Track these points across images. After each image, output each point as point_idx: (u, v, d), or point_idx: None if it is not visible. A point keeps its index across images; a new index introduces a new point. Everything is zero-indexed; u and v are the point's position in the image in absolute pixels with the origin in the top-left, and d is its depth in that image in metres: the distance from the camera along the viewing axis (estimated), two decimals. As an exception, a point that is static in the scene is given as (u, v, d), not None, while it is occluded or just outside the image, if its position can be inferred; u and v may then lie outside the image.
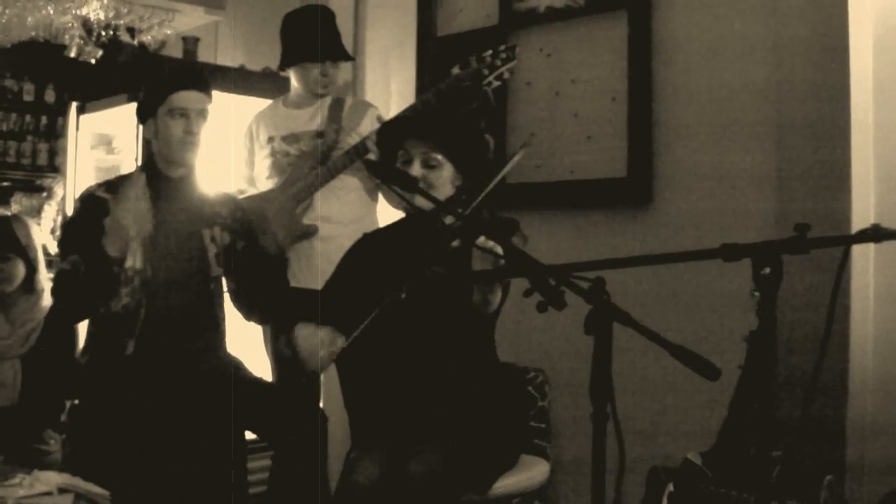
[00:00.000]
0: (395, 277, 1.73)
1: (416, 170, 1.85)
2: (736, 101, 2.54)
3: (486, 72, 2.35)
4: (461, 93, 2.39)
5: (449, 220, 1.79)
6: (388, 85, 3.43)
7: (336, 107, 2.68)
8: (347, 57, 2.73)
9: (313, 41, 2.61)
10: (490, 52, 2.37)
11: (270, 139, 2.72)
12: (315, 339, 1.74)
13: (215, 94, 2.22)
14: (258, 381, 2.18)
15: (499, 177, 1.75)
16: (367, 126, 2.63)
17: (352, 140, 2.61)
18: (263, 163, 2.73)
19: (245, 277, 2.17)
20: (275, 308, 2.23)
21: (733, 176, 2.54)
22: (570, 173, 2.90)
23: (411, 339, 1.84)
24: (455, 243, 1.73)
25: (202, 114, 2.13)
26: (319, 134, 2.65)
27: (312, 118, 2.70)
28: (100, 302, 2.01)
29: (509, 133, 3.01)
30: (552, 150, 2.95)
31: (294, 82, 2.74)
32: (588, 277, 1.27)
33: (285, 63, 2.72)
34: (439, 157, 1.88)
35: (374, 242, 2.02)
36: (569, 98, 2.91)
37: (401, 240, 1.95)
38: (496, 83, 2.38)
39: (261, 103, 2.97)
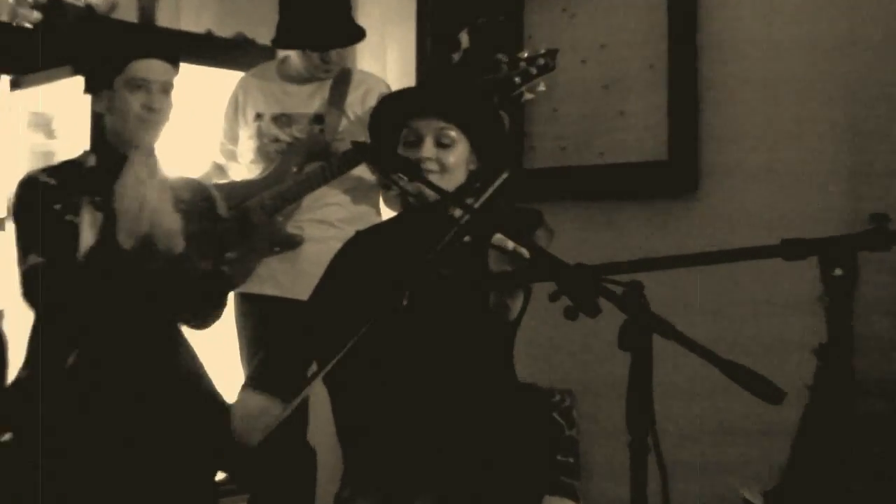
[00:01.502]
0: (395, 282, 1.74)
1: (427, 149, 1.87)
2: (801, 68, 2.56)
3: (517, 80, 2.33)
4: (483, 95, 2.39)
5: (458, 212, 1.82)
6: (384, 53, 3.47)
7: (340, 84, 2.70)
8: (358, 37, 2.73)
9: (315, 23, 2.62)
10: (525, 55, 2.35)
11: (258, 116, 2.74)
12: (246, 411, 1.76)
13: (181, 65, 2.23)
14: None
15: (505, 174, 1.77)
16: None
17: (355, 129, 2.63)
18: (247, 143, 2.76)
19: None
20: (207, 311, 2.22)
21: (796, 160, 2.56)
22: (599, 156, 2.92)
23: (414, 357, 1.83)
24: (466, 239, 1.76)
25: (165, 88, 2.12)
26: (318, 118, 2.68)
27: (311, 97, 2.72)
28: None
29: (527, 110, 3.03)
30: (579, 130, 2.97)
31: (292, 55, 2.75)
32: (622, 281, 1.27)
33: (279, 44, 2.75)
34: (453, 133, 1.91)
35: (369, 242, 2.03)
36: (597, 66, 2.94)
37: (401, 238, 1.96)
38: (528, 95, 2.37)
39: (232, 76, 2.97)
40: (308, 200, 2.66)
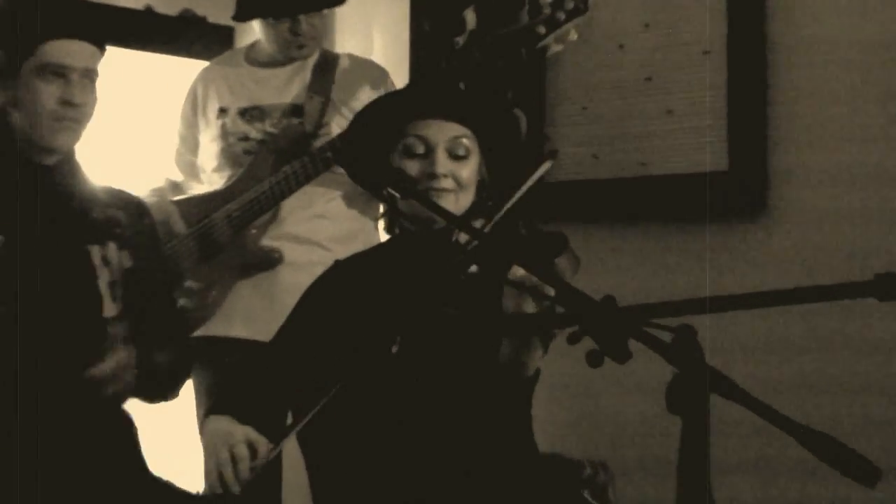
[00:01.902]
0: (383, 325, 1.75)
1: (442, 163, 1.90)
2: (891, 55, 2.57)
3: (541, 29, 2.30)
4: (497, 54, 2.39)
5: (464, 238, 1.83)
6: (369, 36, 3.49)
7: (324, 68, 2.75)
8: (335, 0, 2.77)
9: None
10: None
11: (222, 112, 2.78)
12: (223, 450, 1.72)
13: (109, 49, 2.19)
14: (168, 487, 2.16)
15: (532, 180, 1.78)
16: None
17: (344, 121, 2.67)
18: (210, 147, 2.79)
19: (142, 323, 2.17)
20: (177, 375, 2.23)
21: (890, 167, 2.56)
22: (640, 167, 2.92)
23: (407, 419, 1.84)
24: (474, 271, 1.77)
25: (89, 75, 2.08)
26: (296, 109, 2.71)
27: (287, 84, 2.76)
28: None
29: (549, 107, 3.01)
30: (615, 133, 2.97)
31: (259, 34, 2.80)
32: (669, 325, 1.28)
33: (239, 16, 2.79)
34: (468, 141, 1.94)
35: (350, 274, 2.05)
36: (639, 52, 2.95)
37: (391, 269, 1.98)
38: (556, 48, 2.36)
39: (177, 63, 3.02)
40: (288, 212, 2.69)
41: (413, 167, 1.91)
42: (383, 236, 2.75)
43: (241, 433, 1.75)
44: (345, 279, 2.04)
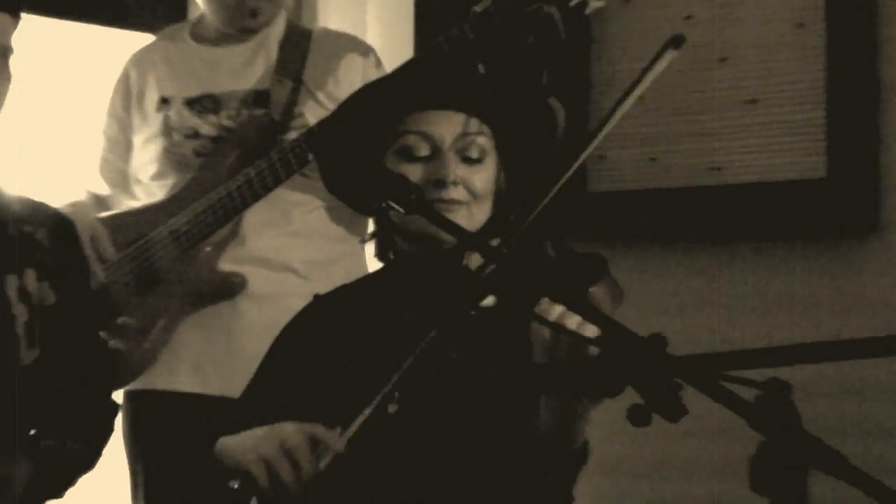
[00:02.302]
0: (377, 376, 1.74)
1: (452, 168, 1.91)
2: None
3: None
4: (517, 21, 2.41)
5: (477, 261, 1.82)
6: (361, 3, 3.51)
7: (293, 45, 2.79)
8: None
9: None
10: None
11: (164, 102, 2.80)
12: (272, 445, 1.75)
13: (26, 18, 2.23)
14: None
15: (566, 176, 1.74)
16: (354, 84, 2.71)
17: (322, 110, 2.70)
18: (148, 149, 2.81)
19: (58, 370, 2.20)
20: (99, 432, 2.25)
21: None
22: (712, 173, 2.94)
23: (408, 498, 1.83)
24: (489, 304, 1.75)
25: (2, 53, 2.16)
26: (260, 97, 2.73)
27: (247, 66, 2.78)
28: None
29: (594, 95, 3.04)
30: (679, 130, 3.00)
31: (201, 3, 2.84)
32: (754, 380, 1.26)
33: None
34: (483, 140, 1.95)
35: (333, 311, 2.06)
36: (712, 23, 2.97)
37: (385, 305, 1.98)
38: (596, 4, 2.43)
39: (111, 36, 3.02)
40: (252, 228, 2.70)
41: (413, 173, 1.90)
42: (373, 260, 2.78)
43: (292, 427, 1.78)
44: (327, 319, 2.04)
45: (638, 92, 1.72)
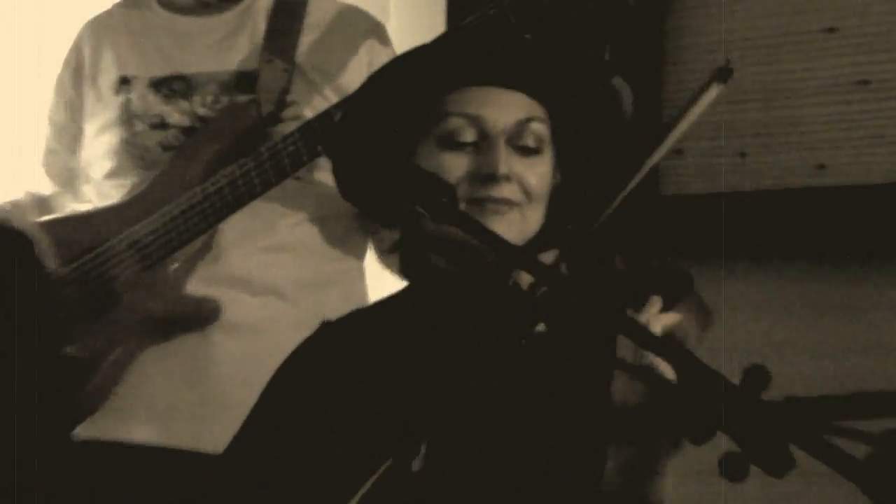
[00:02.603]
0: (403, 424, 1.76)
1: (502, 160, 1.90)
2: None
3: None
4: None
5: (528, 279, 1.82)
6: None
7: (285, 16, 2.82)
8: None
9: None
10: None
11: (124, 83, 2.83)
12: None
13: None
14: None
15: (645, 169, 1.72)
16: (360, 66, 2.77)
17: (319, 98, 2.74)
18: (103, 139, 2.83)
19: None
20: None
21: None
22: (816, 172, 2.97)
23: None
24: (540, 330, 1.76)
25: None
26: (244, 80, 2.76)
27: (228, 41, 2.81)
28: None
29: (669, 76, 3.07)
30: (774, 118, 3.02)
31: None
32: (866, 432, 1.27)
33: None
34: (541, 128, 1.95)
35: (348, 342, 2.04)
36: None
37: (413, 334, 1.96)
38: None
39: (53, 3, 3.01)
40: (231, 242, 2.71)
41: (456, 164, 1.89)
42: (378, 282, 2.77)
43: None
44: (340, 353, 2.02)
45: (676, 135, 1.72)
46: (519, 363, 1.76)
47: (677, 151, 3.08)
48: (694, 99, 1.73)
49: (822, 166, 2.96)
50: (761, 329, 2.88)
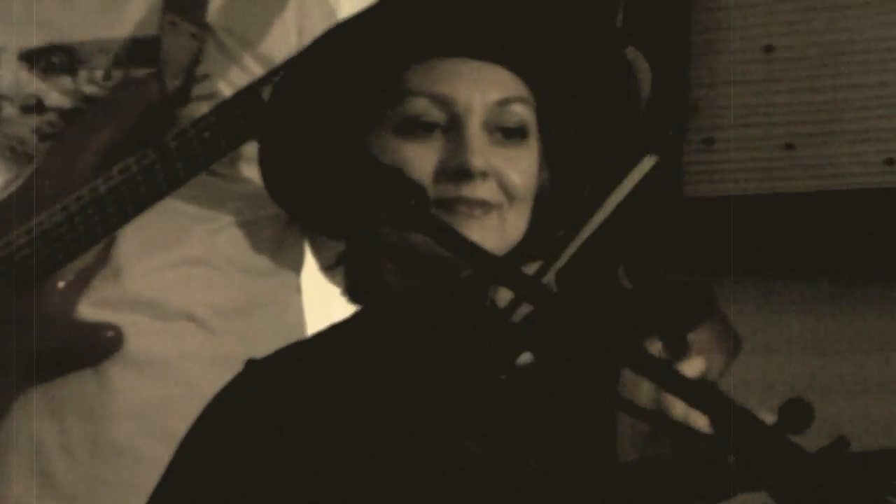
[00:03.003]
0: (350, 480, 1.82)
1: (477, 149, 1.90)
2: None
3: None
4: None
5: (509, 297, 1.79)
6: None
7: None
8: None
9: None
10: None
11: None
12: None
13: None
14: None
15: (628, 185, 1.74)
16: (289, 32, 2.81)
17: (237, 70, 2.76)
18: None
19: None
20: None
21: None
22: (882, 168, 3.00)
23: None
24: (524, 360, 1.75)
25: None
26: (141, 49, 2.78)
27: (119, 2, 2.83)
28: None
29: (697, 48, 3.09)
30: (827, 102, 3.06)
31: None
32: None
33: None
34: (524, 110, 1.95)
35: (281, 387, 2.07)
36: None
37: (366, 372, 1.97)
38: None
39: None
40: (132, 254, 2.73)
41: (420, 157, 1.89)
42: (319, 305, 2.82)
43: None
44: (273, 398, 2.03)
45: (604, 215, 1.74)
46: (498, 404, 1.77)
47: (706, 141, 3.11)
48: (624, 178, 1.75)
49: (890, 161, 2.99)
50: (808, 366, 2.93)
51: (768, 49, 3.09)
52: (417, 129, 1.90)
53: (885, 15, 3.04)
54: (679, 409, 1.63)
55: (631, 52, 2.18)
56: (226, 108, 2.61)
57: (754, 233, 3.02)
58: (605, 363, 1.69)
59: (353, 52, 1.98)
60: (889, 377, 2.95)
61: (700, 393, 1.54)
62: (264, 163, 2.01)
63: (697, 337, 1.76)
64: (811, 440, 1.49)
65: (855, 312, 2.98)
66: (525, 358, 1.73)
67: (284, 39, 2.75)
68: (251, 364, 2.05)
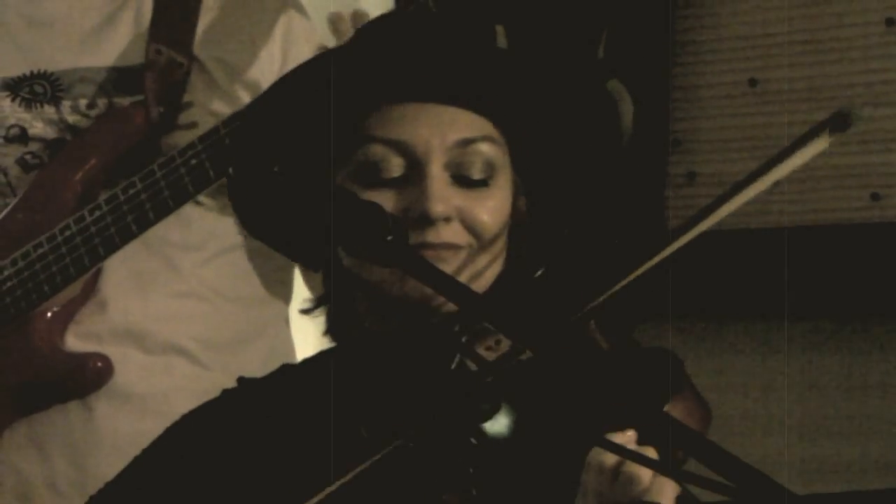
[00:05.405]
0: None
1: (437, 195, 1.90)
2: None
3: None
4: None
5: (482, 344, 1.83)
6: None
7: None
8: None
9: None
10: None
11: None
12: None
13: None
14: None
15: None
16: (274, 60, 2.82)
17: (224, 100, 2.78)
18: None
19: None
20: None
21: None
22: (868, 204, 3.00)
23: None
24: (497, 427, 1.75)
25: None
26: (126, 78, 2.80)
27: (104, 30, 2.84)
28: None
29: (678, 80, 3.09)
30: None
31: None
32: None
33: None
34: (489, 148, 1.95)
35: (253, 416, 2.06)
36: None
37: (337, 412, 1.96)
38: None
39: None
40: (118, 286, 2.76)
41: (382, 203, 1.87)
42: (304, 338, 2.78)
43: None
44: (239, 430, 2.02)
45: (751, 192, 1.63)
46: (470, 461, 1.77)
47: (689, 175, 3.13)
48: (796, 145, 1.60)
49: (876, 196, 3.03)
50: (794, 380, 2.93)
51: (752, 83, 3.11)
52: (376, 177, 1.91)
53: (868, 49, 3.06)
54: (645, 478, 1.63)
55: (614, 86, 2.17)
56: (213, 137, 2.60)
57: (735, 269, 3.05)
58: (574, 441, 1.68)
59: (311, 97, 1.97)
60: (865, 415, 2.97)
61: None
62: (235, 197, 2.01)
63: (671, 410, 1.74)
64: (822, 482, 1.47)
65: (840, 351, 3.02)
66: (501, 426, 1.73)
67: (270, 67, 2.74)
68: (224, 393, 2.08)
